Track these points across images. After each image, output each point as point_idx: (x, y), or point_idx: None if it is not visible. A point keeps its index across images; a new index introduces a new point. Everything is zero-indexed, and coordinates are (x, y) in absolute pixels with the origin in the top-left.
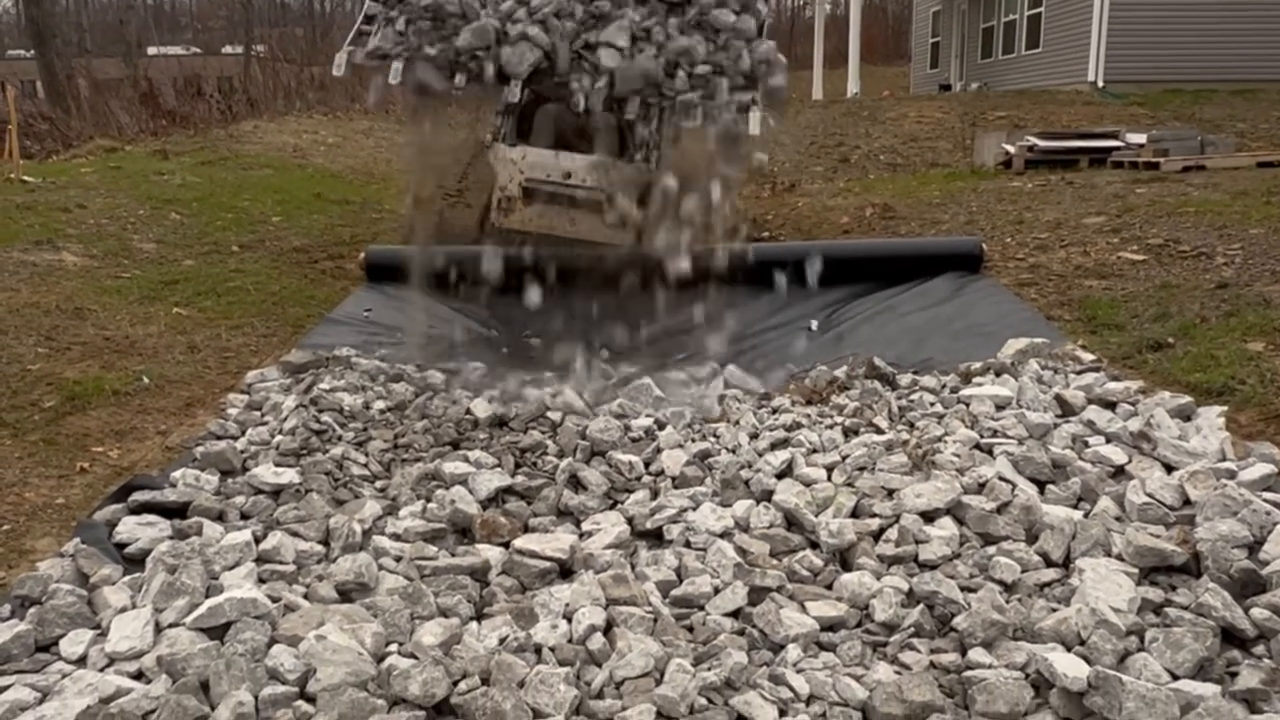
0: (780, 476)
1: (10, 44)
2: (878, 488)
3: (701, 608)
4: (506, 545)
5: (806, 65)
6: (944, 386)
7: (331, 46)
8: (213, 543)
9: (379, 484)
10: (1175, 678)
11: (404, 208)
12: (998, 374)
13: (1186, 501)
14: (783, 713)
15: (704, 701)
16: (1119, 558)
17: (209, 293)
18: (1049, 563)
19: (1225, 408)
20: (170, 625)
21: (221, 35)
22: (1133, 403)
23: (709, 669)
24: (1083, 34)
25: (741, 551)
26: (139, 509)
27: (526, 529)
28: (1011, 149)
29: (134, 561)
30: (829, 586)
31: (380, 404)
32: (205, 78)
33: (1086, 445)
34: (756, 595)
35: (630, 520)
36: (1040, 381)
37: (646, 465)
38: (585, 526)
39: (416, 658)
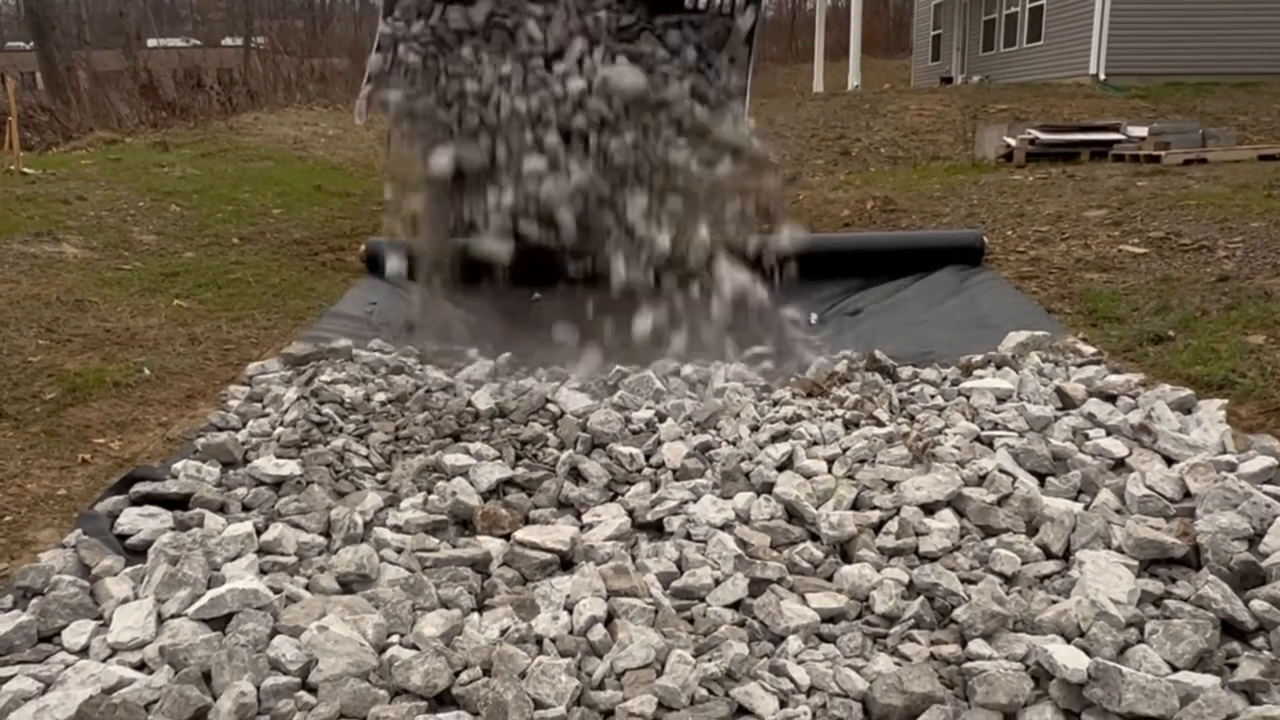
0: (781, 469)
1: (10, 35)
2: (878, 480)
3: (702, 599)
4: (507, 537)
5: (807, 58)
6: (944, 379)
7: (332, 39)
8: (214, 534)
9: (380, 476)
10: (1175, 669)
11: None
12: (998, 367)
13: (1187, 494)
14: (783, 704)
15: (705, 692)
16: (1119, 550)
17: (209, 285)
18: (1049, 555)
19: (1226, 401)
20: (172, 616)
21: (221, 27)
22: (1133, 395)
23: (710, 660)
24: (1084, 27)
25: (742, 543)
26: (140, 500)
27: (527, 521)
28: (1013, 142)
29: (135, 553)
30: (829, 578)
31: (381, 396)
32: (205, 70)
33: (1087, 438)
34: (757, 587)
35: (631, 512)
36: (1041, 374)
37: (647, 457)
38: (586, 518)
39: (418, 649)
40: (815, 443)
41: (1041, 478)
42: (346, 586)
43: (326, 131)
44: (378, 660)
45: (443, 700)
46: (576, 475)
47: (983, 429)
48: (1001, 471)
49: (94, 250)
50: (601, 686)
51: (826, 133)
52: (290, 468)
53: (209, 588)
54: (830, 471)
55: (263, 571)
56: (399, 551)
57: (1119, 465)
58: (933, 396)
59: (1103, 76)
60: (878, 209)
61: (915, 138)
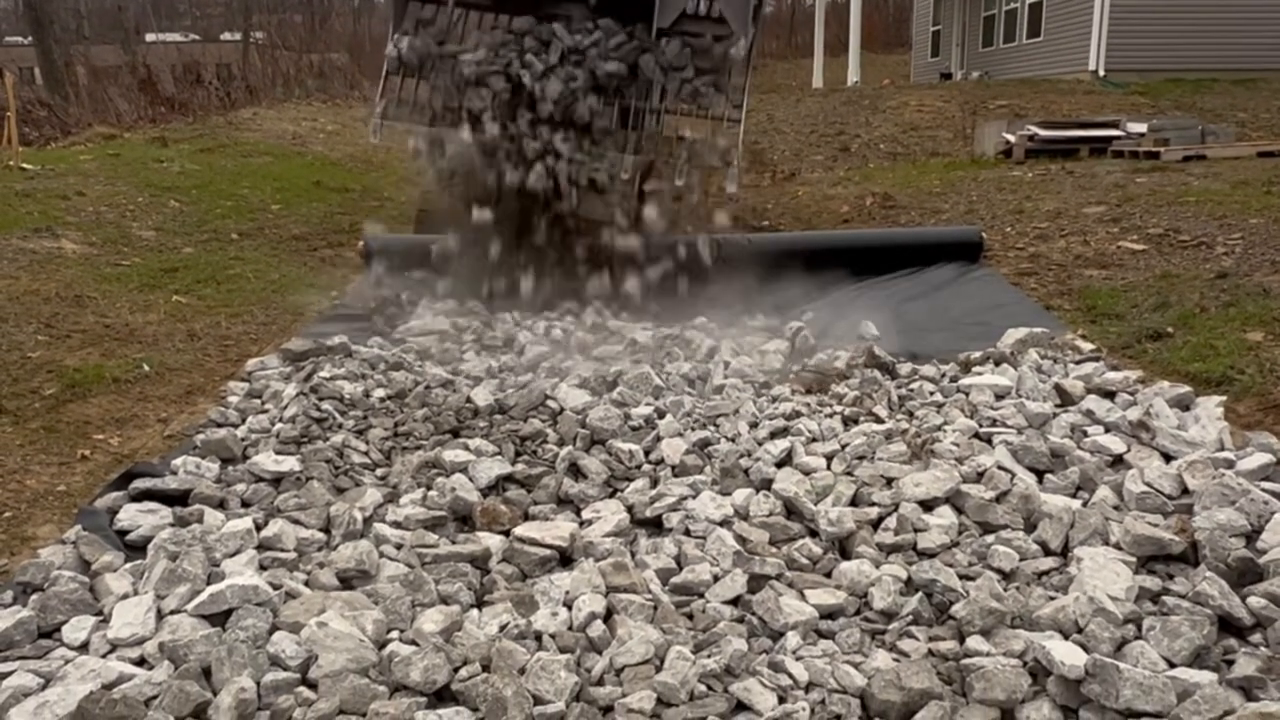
0: (780, 465)
1: (8, 30)
2: (877, 476)
3: (701, 595)
4: (507, 533)
5: (807, 53)
6: (943, 376)
7: (330, 34)
8: (214, 530)
9: (379, 472)
10: (1172, 665)
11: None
12: (997, 363)
13: (1185, 491)
14: (782, 700)
15: (704, 688)
16: (1117, 546)
17: (209, 280)
18: (1047, 551)
19: (1224, 397)
20: (172, 612)
21: (220, 22)
22: (1132, 392)
23: (709, 656)
24: (1084, 23)
25: (741, 539)
26: (140, 496)
27: (527, 517)
28: (1012, 138)
29: (135, 548)
30: (828, 574)
31: (380, 392)
32: (204, 65)
33: (1085, 434)
34: (756, 583)
35: (630, 508)
36: (1039, 371)
37: (646, 453)
38: (585, 514)
39: (417, 644)
40: (814, 439)
41: (1040, 474)
42: (346, 582)
43: (325, 127)
44: (377, 656)
45: (442, 696)
46: (576, 471)
47: (981, 426)
48: (1000, 468)
49: (93, 246)
50: (601, 682)
51: (826, 129)
52: (290, 464)
53: (209, 584)
54: (829, 468)
55: (262, 567)
56: (398, 547)
57: (1117, 462)
58: (931, 393)
59: (1102, 73)
60: (877, 205)
61: (915, 134)
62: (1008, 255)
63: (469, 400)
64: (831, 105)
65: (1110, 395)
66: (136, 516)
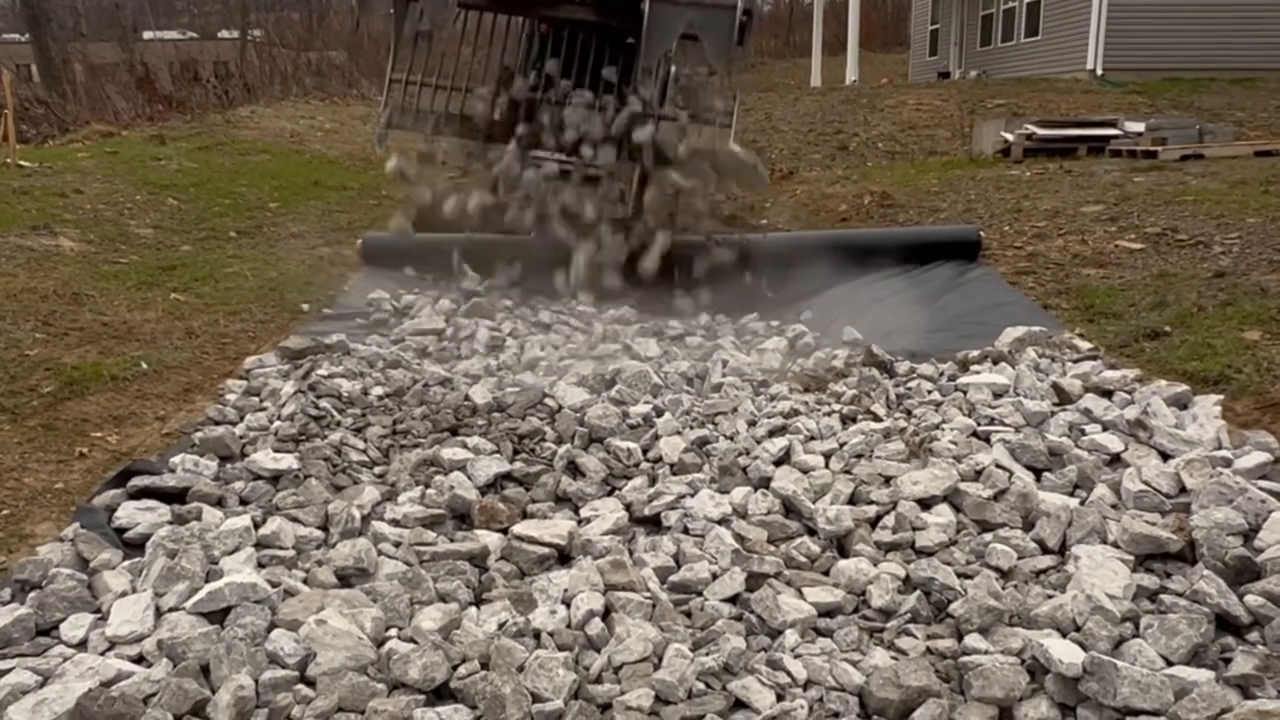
0: (778, 463)
1: (5, 27)
2: (875, 475)
3: (699, 593)
4: (505, 531)
5: (805, 52)
6: (942, 374)
7: (328, 32)
8: (212, 528)
9: (378, 470)
10: (1170, 664)
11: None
12: (995, 362)
13: (1182, 489)
14: (780, 697)
15: (702, 686)
16: (1115, 545)
17: (207, 278)
18: (1045, 550)
19: (1221, 396)
20: (170, 609)
21: (217, 20)
22: (1129, 391)
23: (707, 654)
24: (1082, 22)
25: (739, 538)
26: (138, 494)
27: (525, 515)
28: (1010, 137)
29: (133, 546)
30: (826, 573)
31: (379, 390)
32: (201, 62)
33: (1083, 433)
34: (754, 581)
35: (628, 507)
36: (1037, 369)
37: (645, 452)
38: (583, 513)
39: (416, 642)
40: (812, 437)
41: (1038, 473)
42: (344, 580)
43: (323, 125)
44: (376, 654)
45: (441, 694)
46: (574, 470)
47: (979, 424)
48: (998, 466)
49: (91, 244)
50: (599, 680)
51: (824, 127)
52: (288, 462)
53: (207, 581)
54: (827, 466)
55: (261, 565)
56: (397, 545)
57: (1115, 460)
58: (930, 392)
59: (1100, 72)
60: (875, 204)
61: (913, 133)
62: (1006, 254)
63: (467, 398)
64: (830, 104)
65: (1108, 394)
66: (135, 514)
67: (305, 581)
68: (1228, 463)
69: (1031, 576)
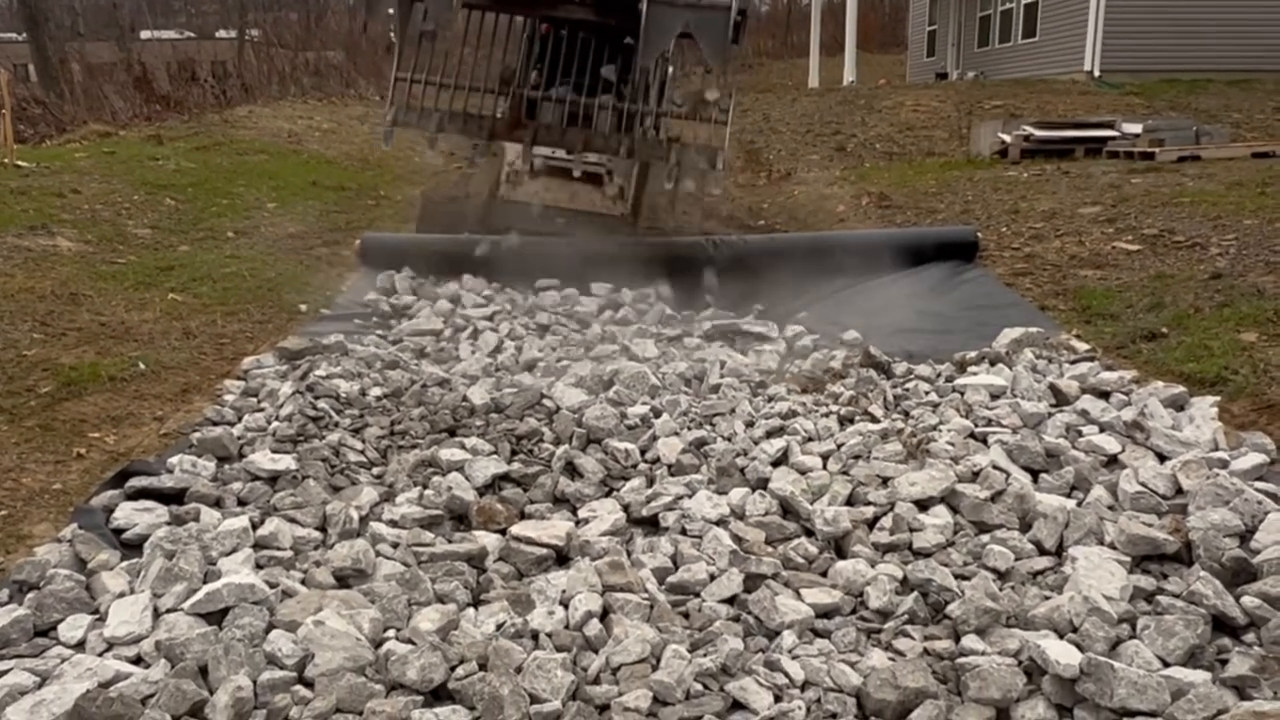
0: (776, 464)
1: (2, 27)
2: (873, 476)
3: (697, 594)
4: (503, 532)
5: (803, 53)
6: (939, 375)
7: (326, 32)
8: (210, 529)
9: (376, 471)
10: (1166, 665)
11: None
12: (992, 363)
13: (1179, 490)
14: (778, 698)
15: (699, 687)
16: (1112, 546)
17: (204, 279)
18: (1042, 551)
19: (1218, 398)
20: (168, 610)
21: (215, 19)
22: (1126, 392)
23: (705, 655)
24: (1079, 23)
25: (737, 539)
26: (136, 495)
27: (523, 516)
28: (1007, 138)
29: (131, 547)
30: (824, 574)
31: (377, 391)
32: (199, 62)
33: (1080, 434)
34: (752, 582)
35: (626, 507)
36: (1035, 371)
37: (643, 453)
38: (581, 513)
39: (414, 643)
40: (810, 439)
41: (1035, 474)
42: (342, 581)
43: (321, 125)
44: (374, 655)
45: (439, 695)
46: (572, 470)
47: (977, 425)
48: (995, 468)
49: (88, 244)
50: (597, 681)
51: (822, 128)
52: (286, 462)
53: (205, 582)
54: (825, 467)
55: (259, 566)
56: (395, 546)
57: (1112, 462)
58: (927, 393)
59: (1097, 73)
60: (873, 205)
61: (910, 134)
62: (1003, 255)
63: (465, 399)
64: (827, 105)
65: (1105, 395)
66: (133, 515)
67: (303, 582)
68: (1224, 464)
69: (1028, 578)
